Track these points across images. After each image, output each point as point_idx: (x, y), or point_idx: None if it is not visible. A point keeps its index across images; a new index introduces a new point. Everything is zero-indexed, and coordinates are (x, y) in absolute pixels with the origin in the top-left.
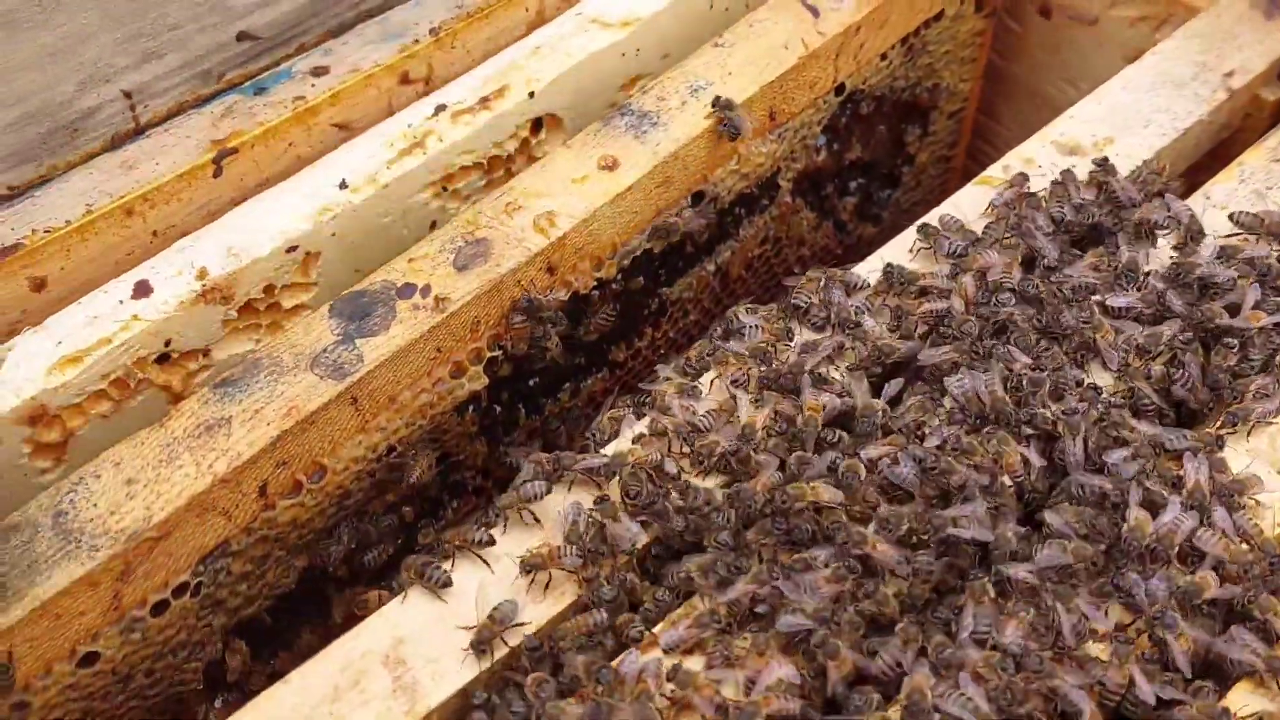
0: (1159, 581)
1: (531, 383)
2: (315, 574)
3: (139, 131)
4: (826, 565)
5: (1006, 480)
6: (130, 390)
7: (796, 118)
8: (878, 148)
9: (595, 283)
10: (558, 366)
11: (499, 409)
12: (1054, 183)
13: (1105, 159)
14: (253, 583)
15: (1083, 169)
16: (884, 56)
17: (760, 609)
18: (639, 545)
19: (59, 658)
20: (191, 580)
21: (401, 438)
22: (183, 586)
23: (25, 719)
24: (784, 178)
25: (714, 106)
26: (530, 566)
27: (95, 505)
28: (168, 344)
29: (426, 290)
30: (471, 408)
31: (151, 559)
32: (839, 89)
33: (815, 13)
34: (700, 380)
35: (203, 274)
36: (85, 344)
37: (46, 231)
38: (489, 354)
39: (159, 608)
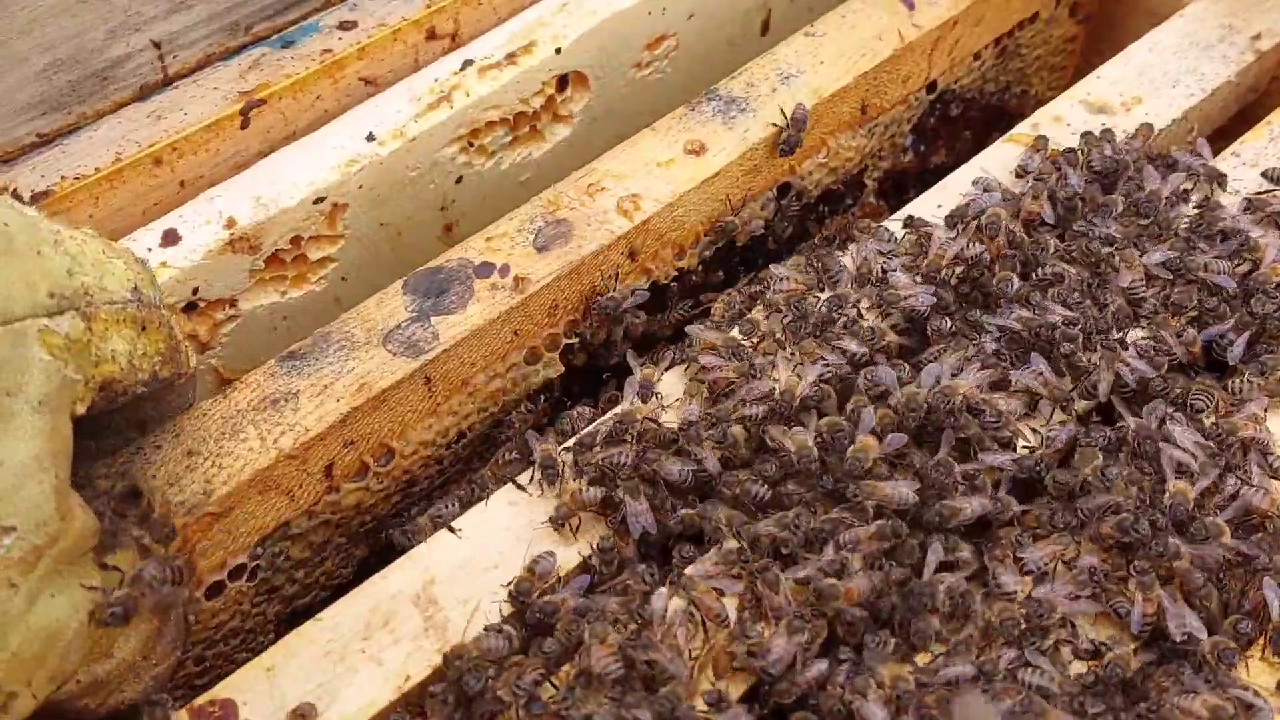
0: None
1: (605, 376)
2: (374, 566)
3: (167, 82)
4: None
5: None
6: None
7: (887, 113)
8: (961, 154)
9: (676, 272)
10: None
11: (569, 401)
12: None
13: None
14: (310, 570)
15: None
16: (977, 56)
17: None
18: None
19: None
20: (249, 563)
21: (471, 424)
22: (240, 569)
23: None
24: (870, 176)
25: (784, 122)
26: (560, 519)
27: (154, 476)
28: (195, 292)
29: (505, 270)
30: (544, 396)
31: (210, 536)
32: (931, 86)
33: (910, 5)
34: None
35: (231, 223)
36: None
37: (76, 179)
38: (566, 340)
39: (214, 590)
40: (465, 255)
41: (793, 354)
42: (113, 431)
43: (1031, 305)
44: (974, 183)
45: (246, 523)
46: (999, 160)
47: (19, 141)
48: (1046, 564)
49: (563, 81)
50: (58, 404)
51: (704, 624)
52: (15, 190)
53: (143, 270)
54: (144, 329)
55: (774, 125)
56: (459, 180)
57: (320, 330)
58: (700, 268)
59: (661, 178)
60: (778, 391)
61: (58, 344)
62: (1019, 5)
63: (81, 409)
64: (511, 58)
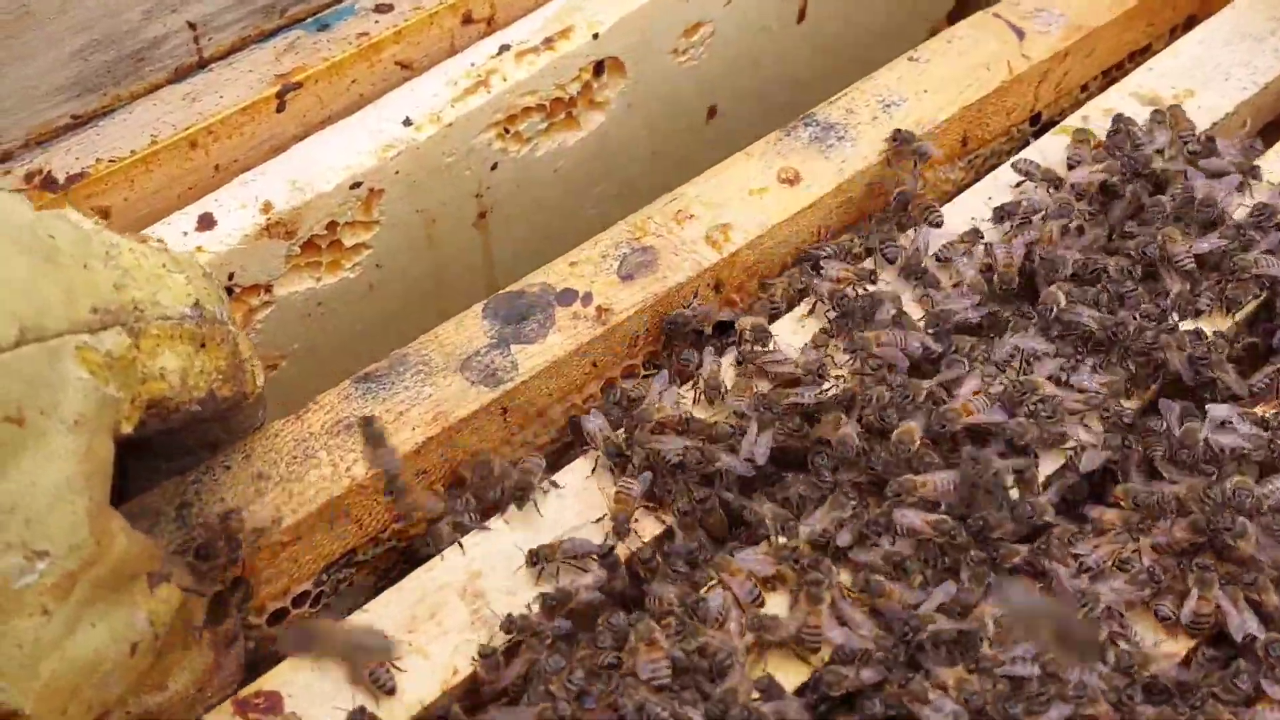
0: None
1: None
2: None
3: (202, 65)
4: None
5: None
6: None
7: (988, 145)
8: None
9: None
10: None
11: None
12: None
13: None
14: (372, 598)
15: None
16: (1084, 88)
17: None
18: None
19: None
20: (313, 589)
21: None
22: (303, 595)
23: None
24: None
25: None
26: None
27: (222, 499)
28: (231, 278)
29: (588, 298)
30: None
31: (275, 563)
32: (1035, 118)
33: (1020, 34)
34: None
35: (267, 208)
36: None
37: (111, 161)
38: (643, 373)
39: (276, 617)
40: (547, 280)
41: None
42: (183, 451)
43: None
44: (1012, 165)
45: (314, 550)
46: (1045, 151)
47: (53, 123)
48: (1104, 563)
49: (599, 67)
50: (96, 424)
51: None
52: (50, 173)
53: (208, 285)
54: (203, 346)
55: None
56: (494, 167)
57: (397, 351)
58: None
59: (753, 207)
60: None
61: (98, 361)
62: (1131, 37)
63: (128, 428)
64: (549, 42)
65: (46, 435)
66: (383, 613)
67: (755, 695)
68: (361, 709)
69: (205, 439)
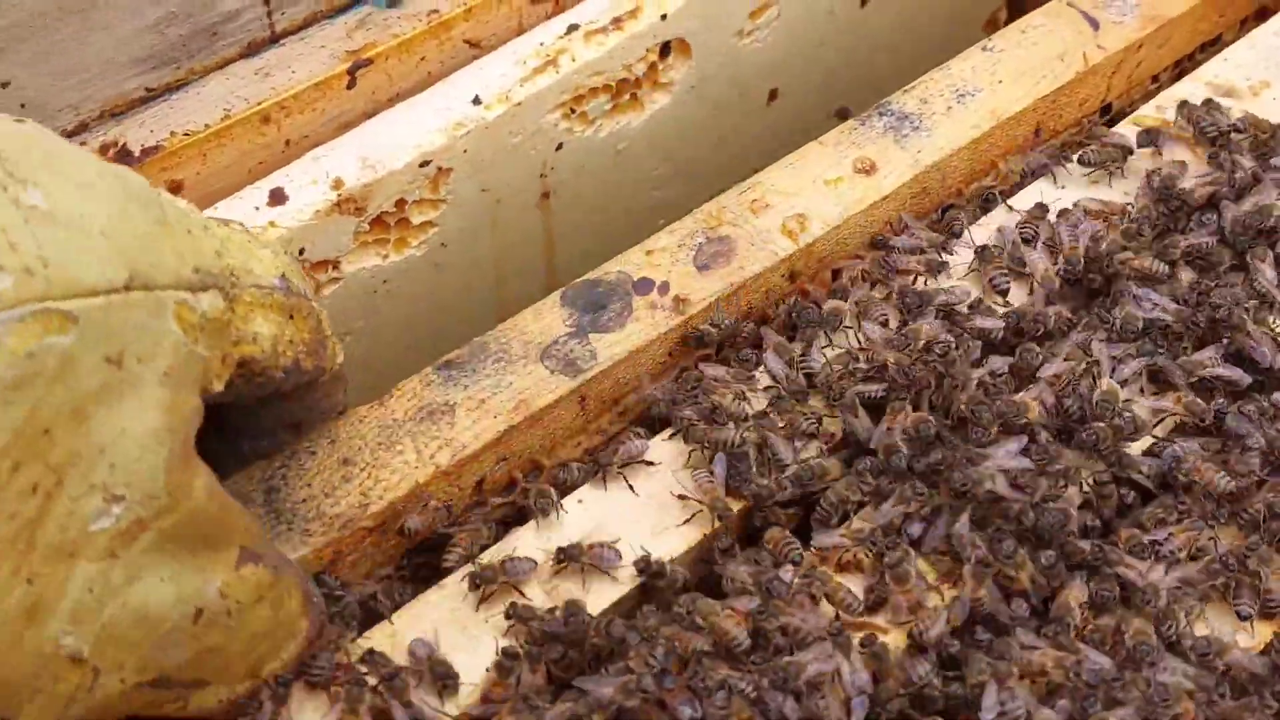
0: None
1: None
2: None
3: (274, 39)
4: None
5: None
6: None
7: (1059, 136)
8: None
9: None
10: None
11: None
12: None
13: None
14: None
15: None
16: (1155, 79)
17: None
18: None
19: None
20: (394, 574)
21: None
22: (387, 579)
23: None
24: None
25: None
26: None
27: (309, 485)
28: (301, 253)
29: (665, 288)
30: None
31: (361, 549)
32: (1106, 108)
33: (1095, 24)
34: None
35: (338, 184)
36: None
37: (185, 135)
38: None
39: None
40: (624, 269)
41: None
42: (265, 433)
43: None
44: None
45: (398, 536)
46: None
47: (128, 95)
48: (1179, 551)
49: (665, 49)
50: (181, 378)
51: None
52: (124, 145)
53: (293, 262)
54: (291, 317)
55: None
56: (559, 147)
57: (477, 339)
58: None
59: (829, 197)
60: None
61: (192, 321)
62: (1204, 27)
63: (219, 385)
64: (617, 22)
65: (140, 383)
66: (461, 588)
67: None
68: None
69: (287, 418)
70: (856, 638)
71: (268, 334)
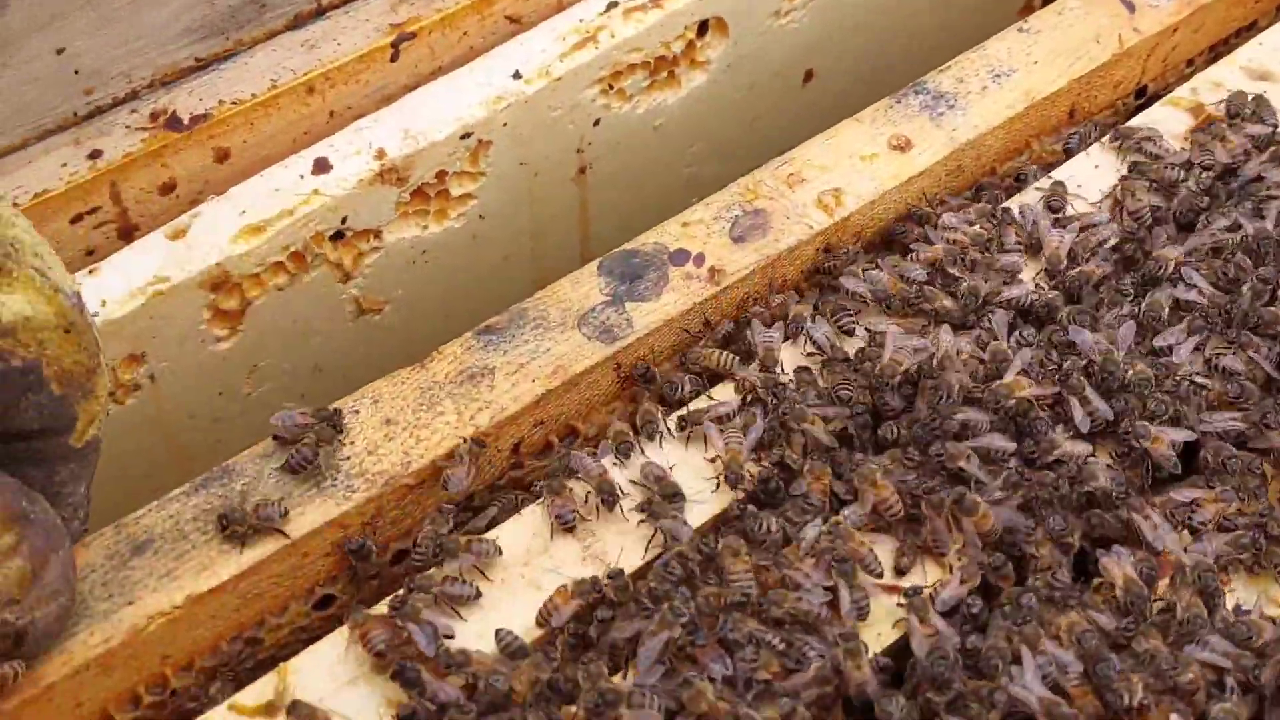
0: None
1: None
2: None
3: (319, 12)
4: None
5: None
6: (305, 265)
7: (1093, 118)
8: None
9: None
10: None
11: None
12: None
13: None
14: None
15: (1275, 96)
16: (1190, 62)
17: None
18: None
19: (297, 596)
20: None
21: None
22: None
23: (256, 654)
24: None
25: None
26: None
27: (352, 443)
28: (344, 221)
29: (701, 259)
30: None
31: (401, 507)
32: (1140, 91)
33: (1131, 7)
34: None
35: (381, 154)
36: (268, 214)
37: (233, 104)
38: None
39: (399, 557)
40: (661, 240)
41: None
42: None
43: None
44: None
45: (436, 494)
46: (1155, 123)
47: (179, 64)
48: (1205, 522)
49: (703, 27)
50: None
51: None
52: (174, 113)
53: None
54: (67, 331)
55: None
56: (597, 123)
57: (516, 306)
58: None
59: (865, 172)
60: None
61: None
62: (1239, 13)
63: None
64: (656, 0)
65: None
66: (499, 544)
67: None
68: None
69: (23, 471)
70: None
71: (15, 309)
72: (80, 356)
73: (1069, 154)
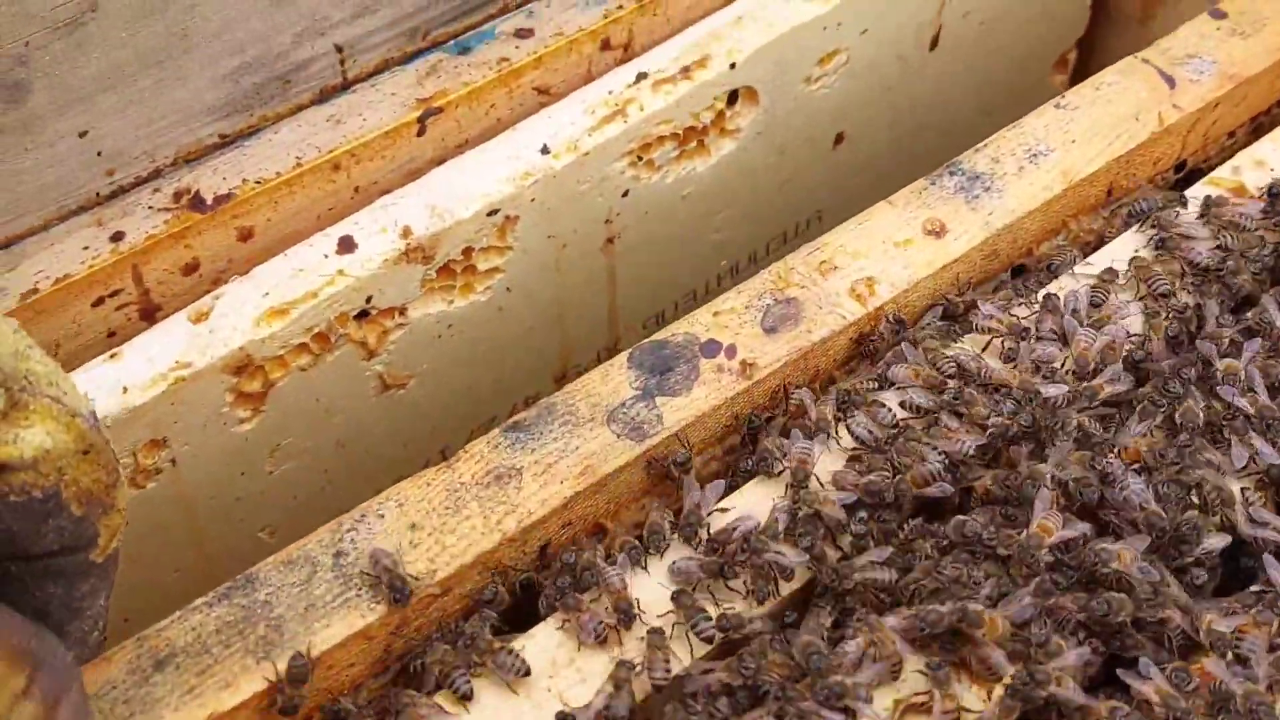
0: None
1: None
2: None
3: (345, 86)
4: None
5: None
6: (329, 344)
7: (1133, 195)
8: None
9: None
10: None
11: None
12: None
13: None
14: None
15: None
16: (1231, 134)
17: None
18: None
19: (316, 705)
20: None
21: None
22: None
23: None
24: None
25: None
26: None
27: (379, 547)
28: (369, 300)
29: (732, 351)
30: None
31: (426, 614)
32: (1179, 165)
33: (1171, 82)
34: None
35: (407, 233)
36: (292, 296)
37: (258, 183)
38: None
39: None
40: (692, 330)
41: None
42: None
43: None
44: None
45: (461, 599)
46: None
47: (203, 142)
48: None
49: (733, 96)
50: None
51: None
52: (198, 193)
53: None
54: (86, 453)
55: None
56: (625, 194)
57: (545, 401)
58: None
59: (898, 259)
60: None
61: None
62: None
63: None
64: (685, 71)
65: None
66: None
67: None
68: None
69: (32, 599)
70: None
71: (36, 442)
72: (99, 475)
73: (1132, 219)
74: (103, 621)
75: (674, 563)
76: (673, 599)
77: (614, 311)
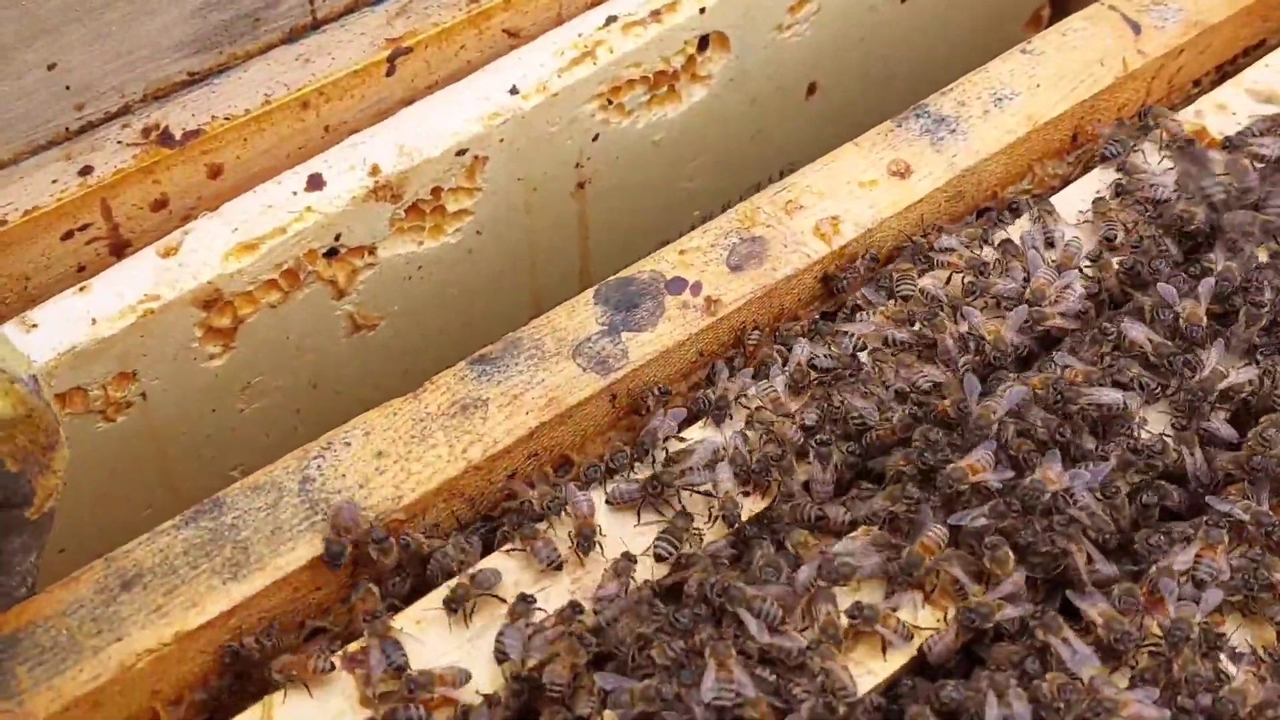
0: None
1: None
2: None
3: (315, 26)
4: None
5: None
6: (299, 282)
7: (1096, 143)
8: None
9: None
10: None
11: None
12: None
13: None
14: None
15: None
16: (1196, 83)
17: None
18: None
19: (287, 630)
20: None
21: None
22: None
23: (247, 688)
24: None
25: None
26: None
27: (343, 476)
28: (337, 238)
29: (698, 288)
30: None
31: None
32: (1144, 113)
33: (1136, 28)
34: None
35: (375, 171)
36: (261, 232)
37: (226, 119)
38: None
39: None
40: (658, 268)
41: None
42: None
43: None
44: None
45: (426, 525)
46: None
47: (172, 79)
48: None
49: (703, 42)
50: None
51: None
52: (166, 129)
53: (45, 387)
54: (28, 416)
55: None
56: (595, 138)
57: (511, 335)
58: None
59: (863, 199)
60: None
61: None
62: (1247, 33)
63: None
64: (656, 15)
65: None
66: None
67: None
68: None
69: None
70: None
71: None
72: (38, 436)
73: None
74: (32, 579)
75: (615, 488)
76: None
77: (586, 259)
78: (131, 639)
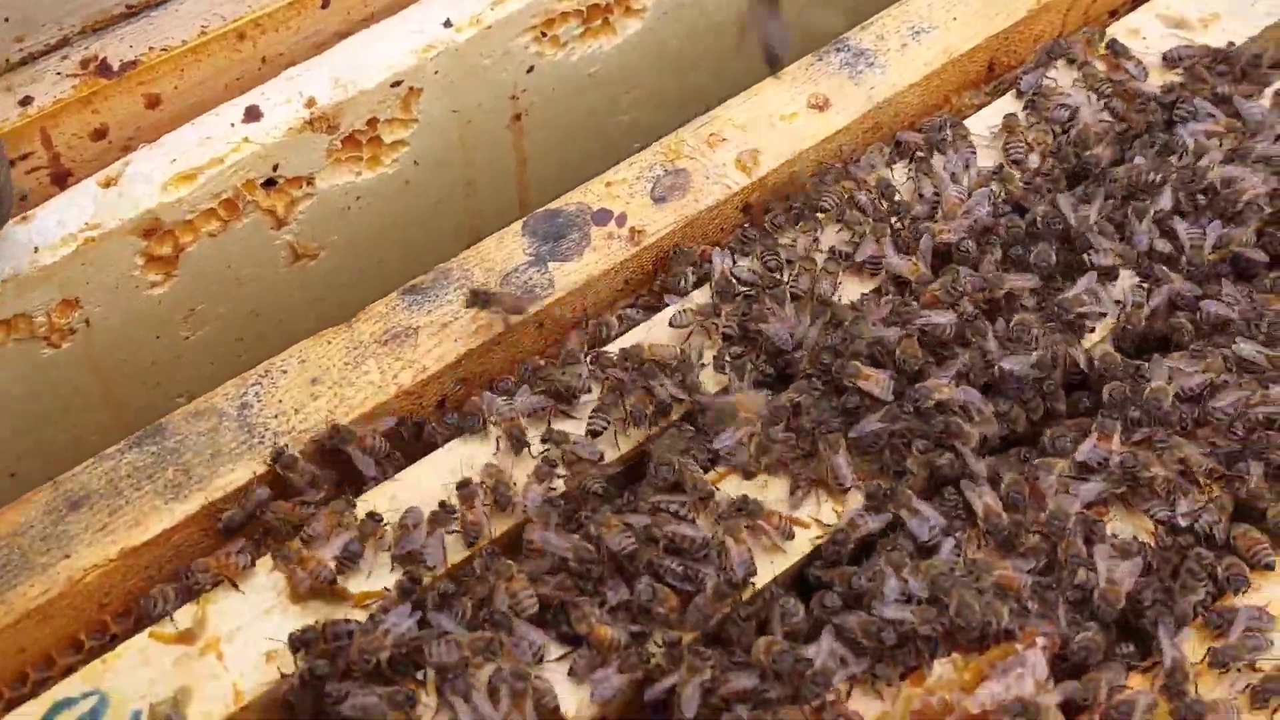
0: None
1: None
2: None
3: None
4: None
5: None
6: (238, 212)
7: (1014, 71)
8: None
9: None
10: None
11: None
12: None
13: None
14: None
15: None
16: (1113, 13)
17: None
18: None
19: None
20: None
21: None
22: None
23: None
24: None
25: None
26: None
27: (280, 401)
28: (275, 169)
29: (622, 219)
30: None
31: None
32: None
33: None
34: None
35: (311, 102)
36: (198, 162)
37: (163, 50)
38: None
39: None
40: (584, 200)
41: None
42: None
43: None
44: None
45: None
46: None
47: (109, 12)
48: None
49: None
50: None
51: None
52: (105, 60)
53: None
54: None
55: None
56: (530, 70)
57: (441, 265)
58: None
59: (783, 132)
60: None
61: None
62: None
63: None
64: None
65: None
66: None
67: None
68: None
69: None
70: None
71: None
72: None
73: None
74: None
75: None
76: None
77: (525, 190)
78: (79, 556)
